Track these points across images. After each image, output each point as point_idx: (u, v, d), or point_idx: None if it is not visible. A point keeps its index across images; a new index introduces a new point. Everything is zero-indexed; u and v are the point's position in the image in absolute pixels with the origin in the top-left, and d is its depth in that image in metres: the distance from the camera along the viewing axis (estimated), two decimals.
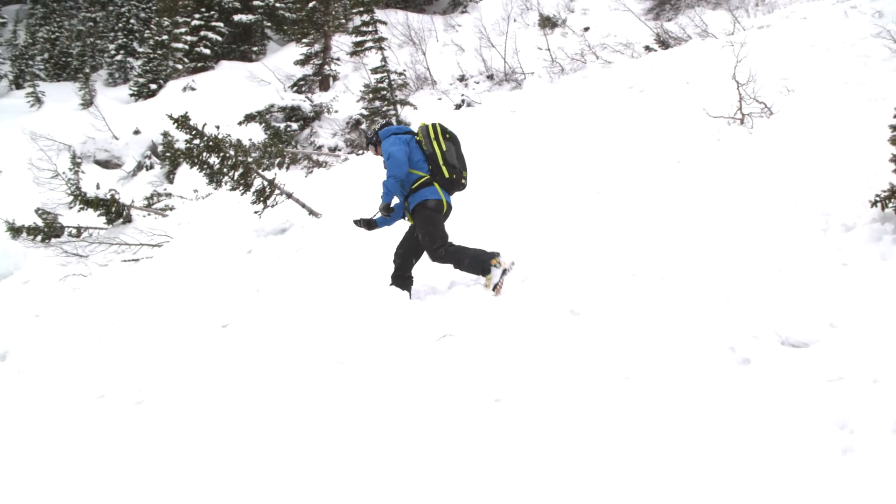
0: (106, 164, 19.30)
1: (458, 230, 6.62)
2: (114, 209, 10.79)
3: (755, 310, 4.00)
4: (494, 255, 5.87)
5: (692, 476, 2.95)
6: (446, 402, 3.95)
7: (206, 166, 8.82)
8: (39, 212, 11.32)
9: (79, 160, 14.46)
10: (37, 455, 5.15)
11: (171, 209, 11.61)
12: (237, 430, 4.31)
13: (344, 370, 4.66)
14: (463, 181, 6.37)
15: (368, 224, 6.45)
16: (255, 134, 16.68)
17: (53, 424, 5.47)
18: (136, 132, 20.60)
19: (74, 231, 10.94)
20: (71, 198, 11.06)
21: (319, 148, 17.61)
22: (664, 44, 16.45)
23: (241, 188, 8.82)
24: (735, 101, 7.73)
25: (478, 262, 5.90)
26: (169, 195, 13.34)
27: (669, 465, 3.04)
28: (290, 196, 8.82)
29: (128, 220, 10.72)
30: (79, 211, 11.19)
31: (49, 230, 10.83)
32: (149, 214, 11.38)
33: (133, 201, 12.09)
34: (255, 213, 8.83)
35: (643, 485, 2.99)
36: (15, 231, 11.21)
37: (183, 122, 8.44)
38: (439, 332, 4.83)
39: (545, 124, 10.42)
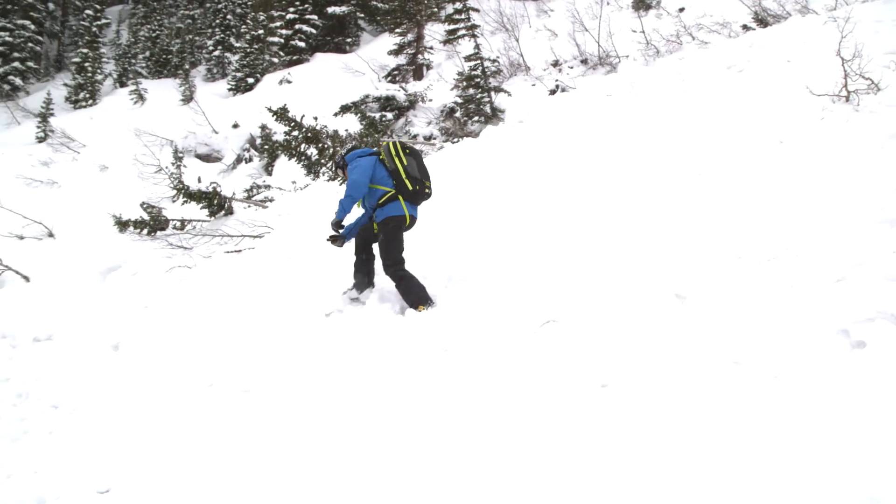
0: (206, 158, 19.81)
1: (575, 214, 6.58)
2: (216, 202, 11.07)
3: (869, 291, 3.86)
4: (429, 301, 6.25)
5: (810, 465, 2.88)
6: (554, 386, 3.95)
7: (304, 157, 9.01)
8: (144, 206, 11.69)
9: (181, 155, 14.93)
10: (154, 443, 5.35)
11: (271, 200, 11.84)
12: (346, 418, 4.39)
13: (448, 356, 4.71)
14: (427, 190, 6.87)
15: (339, 240, 6.99)
16: (350, 125, 16.86)
17: (166, 412, 5.68)
18: (235, 126, 21.08)
19: (178, 224, 11.27)
20: (174, 191, 11.39)
21: (414, 137, 17.71)
22: (762, 22, 15.96)
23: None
24: (839, 78, 7.46)
25: (413, 296, 6.34)
26: (268, 187, 13.59)
27: (786, 453, 2.98)
28: None
29: (229, 212, 10.99)
30: (182, 204, 11.53)
31: (154, 223, 11.18)
32: (249, 206, 11.64)
33: (234, 193, 12.38)
34: None
35: (760, 470, 2.93)
36: (122, 225, 11.61)
37: (281, 114, 8.62)
38: (542, 318, 4.83)
39: (642, 107, 10.25)
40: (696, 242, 5.34)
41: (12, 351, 8.03)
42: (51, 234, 13.93)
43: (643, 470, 3.16)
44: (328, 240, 6.95)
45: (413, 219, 6.81)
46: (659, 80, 11.82)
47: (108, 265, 10.25)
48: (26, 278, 11.08)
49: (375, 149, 7.47)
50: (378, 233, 6.82)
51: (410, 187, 6.82)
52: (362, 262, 7.00)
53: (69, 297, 9.30)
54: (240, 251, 9.19)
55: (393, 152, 6.96)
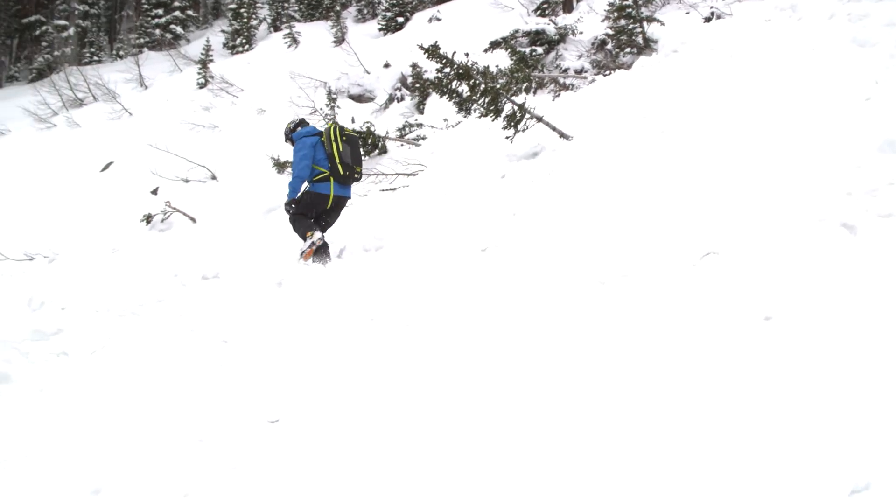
0: (359, 99, 20.09)
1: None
2: (370, 141, 11.24)
3: None
4: (313, 230, 7.92)
5: None
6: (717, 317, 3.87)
7: (455, 95, 8.96)
8: None
9: (334, 96, 15.22)
10: (318, 375, 5.55)
11: (424, 139, 11.94)
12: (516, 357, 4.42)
13: (605, 289, 4.65)
14: (356, 175, 8.29)
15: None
16: (500, 60, 16.72)
17: (331, 345, 5.86)
18: (386, 65, 21.26)
19: None
20: None
21: (565, 71, 17.39)
22: None
23: (491, 114, 8.91)
24: None
25: (301, 229, 8.02)
26: (420, 125, 13.68)
27: None
28: (539, 119, 8.80)
29: (383, 151, 11.15)
30: None
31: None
32: (402, 145, 11.77)
33: (387, 133, 12.54)
34: (507, 138, 8.89)
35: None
36: (280, 166, 11.97)
37: (433, 51, 8.59)
38: (702, 249, 4.70)
39: (804, 33, 9.69)
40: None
41: (183, 289, 8.46)
42: (214, 177, 14.54)
43: None
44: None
45: (340, 198, 8.26)
46: (824, 2, 11.14)
47: (269, 205, 10.61)
48: (193, 220, 11.62)
49: (319, 129, 8.63)
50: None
51: (341, 172, 8.16)
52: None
53: (233, 237, 9.71)
54: (394, 189, 9.32)
55: (332, 137, 8.22)
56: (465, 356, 4.72)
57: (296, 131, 8.57)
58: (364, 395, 5.05)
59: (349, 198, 8.41)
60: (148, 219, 12.04)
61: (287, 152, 10.78)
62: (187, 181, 14.27)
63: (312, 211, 8.26)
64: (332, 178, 8.15)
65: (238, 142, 17.76)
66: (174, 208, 11.98)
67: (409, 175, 9.55)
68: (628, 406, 3.56)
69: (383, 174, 9.86)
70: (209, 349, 6.87)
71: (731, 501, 2.85)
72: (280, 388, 5.64)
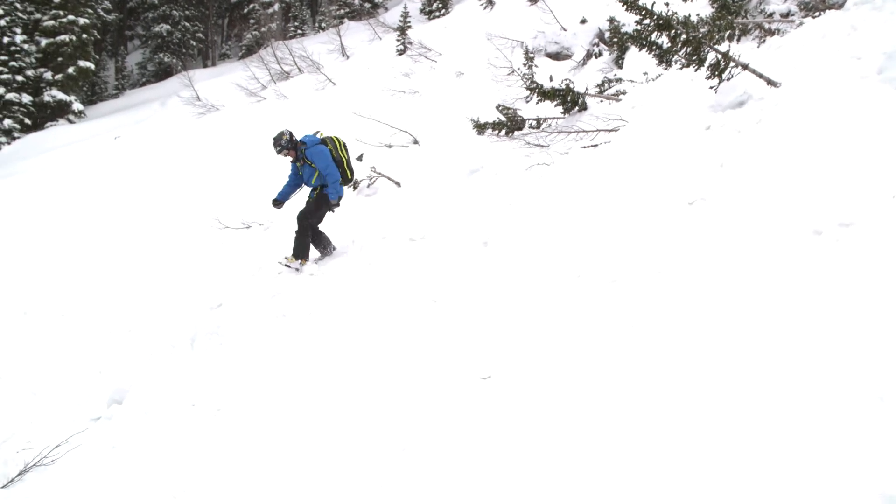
0: (556, 56, 20.02)
1: None
2: (569, 98, 11.24)
3: None
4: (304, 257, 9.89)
5: None
6: None
7: (655, 47, 8.84)
8: (500, 108, 12.15)
9: (531, 55, 15.22)
10: (527, 332, 5.72)
11: (623, 93, 11.81)
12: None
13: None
14: (353, 180, 10.71)
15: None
16: (700, 9, 16.21)
17: (539, 304, 6.00)
18: (583, 21, 21.04)
19: (534, 123, 11.60)
20: (528, 91, 11.70)
21: (770, 15, 16.65)
22: None
23: (693, 65, 8.71)
24: None
25: (304, 250, 9.93)
26: (619, 80, 13.51)
27: None
28: (745, 67, 8.53)
29: (583, 107, 11.11)
30: (536, 103, 11.82)
31: (511, 124, 11.61)
32: (602, 101, 11.70)
33: (586, 89, 12.48)
34: (710, 88, 8.68)
35: None
36: (480, 128, 12.18)
37: (632, 3, 8.49)
38: None
39: None
40: None
41: (391, 251, 8.84)
42: (416, 142, 14.96)
43: None
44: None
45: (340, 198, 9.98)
46: None
47: (471, 167, 10.87)
48: (397, 184, 12.06)
49: (319, 137, 10.21)
50: (311, 204, 10.00)
51: (350, 177, 10.26)
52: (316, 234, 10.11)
53: (437, 199, 10.02)
54: (596, 146, 9.32)
55: (339, 146, 10.09)
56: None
57: (303, 138, 10.14)
58: (571, 355, 5.18)
59: None
60: (355, 185, 12.59)
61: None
62: (390, 146, 14.76)
63: (322, 215, 10.12)
64: (340, 182, 9.93)
65: (438, 106, 18.15)
66: (379, 173, 12.47)
67: (609, 131, 9.51)
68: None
69: (584, 131, 9.86)
70: (420, 308, 7.19)
71: None
72: (490, 347, 5.85)
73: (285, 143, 9.98)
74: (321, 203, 10.01)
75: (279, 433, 5.95)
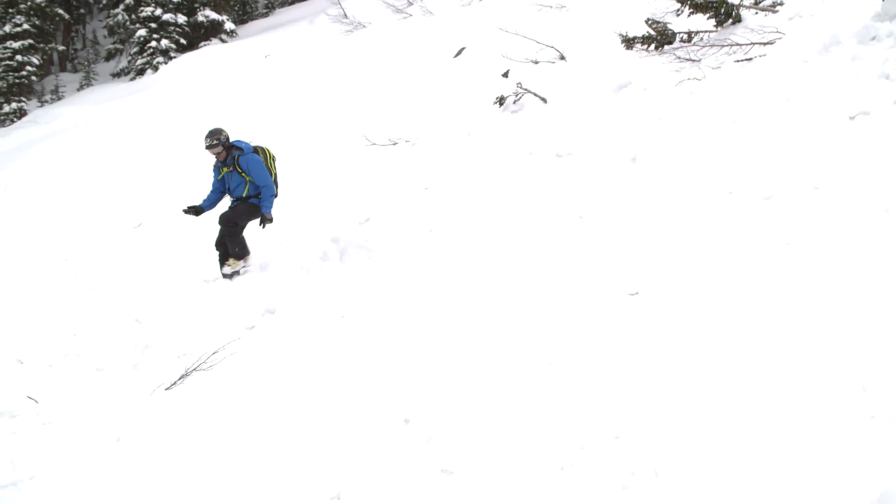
0: None
1: None
2: (722, 10, 10.85)
3: None
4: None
5: None
6: None
7: None
8: (649, 21, 11.86)
9: None
10: (678, 249, 5.72)
11: (780, 4, 11.31)
12: None
13: None
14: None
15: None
16: None
17: (688, 221, 5.97)
18: None
19: (685, 36, 11.29)
20: (678, 4, 11.37)
21: None
22: None
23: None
24: None
25: (242, 247, 9.53)
26: None
27: None
28: None
29: (737, 20, 10.72)
30: (688, 16, 11.50)
31: (660, 38, 11.32)
32: (757, 13, 11.24)
33: (740, 0, 12.03)
34: None
35: None
36: (628, 42, 11.93)
37: None
38: None
39: None
40: None
41: (538, 166, 8.88)
42: (562, 57, 14.77)
43: None
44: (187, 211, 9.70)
45: None
46: None
47: (618, 82, 10.71)
48: (543, 100, 12.00)
49: (253, 145, 9.70)
50: (241, 207, 9.51)
51: (277, 190, 9.69)
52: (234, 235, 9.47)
53: (584, 115, 9.96)
54: (750, 59, 9.03)
55: (269, 157, 9.65)
56: None
57: (236, 140, 9.57)
58: (721, 273, 5.16)
59: None
60: (500, 101, 12.60)
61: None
62: (536, 63, 14.62)
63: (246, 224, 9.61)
64: None
65: (585, 20, 17.80)
66: (525, 89, 12.42)
67: (765, 44, 9.17)
68: None
69: (737, 44, 9.54)
70: (566, 224, 7.25)
71: None
72: (638, 263, 5.88)
73: (224, 140, 9.38)
74: (252, 212, 9.55)
75: (430, 346, 6.17)
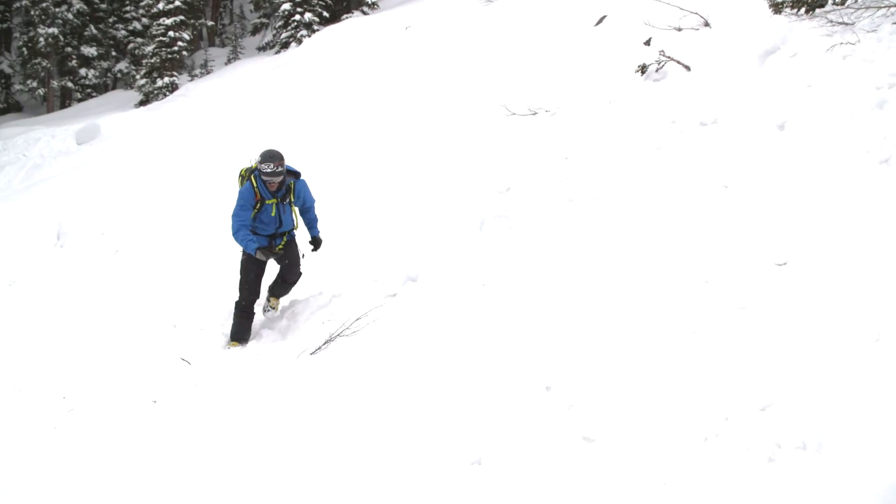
0: None
1: None
2: None
3: None
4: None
5: None
6: None
7: None
8: None
9: None
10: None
11: None
12: None
13: None
14: None
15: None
16: None
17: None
18: None
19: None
20: None
21: None
22: None
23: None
24: None
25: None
26: None
27: None
28: None
29: None
30: None
31: (813, 1, 10.94)
32: None
33: None
34: None
35: None
36: (777, 6, 11.55)
37: None
38: None
39: None
40: None
41: (681, 135, 8.75)
42: (706, 24, 14.42)
43: None
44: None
45: None
46: None
47: (766, 48, 10.39)
48: (687, 67, 11.76)
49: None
50: (295, 251, 8.98)
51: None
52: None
53: (729, 82, 9.73)
54: None
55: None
56: None
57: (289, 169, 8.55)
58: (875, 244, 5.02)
59: None
60: (642, 69, 12.42)
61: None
62: (679, 30, 14.31)
63: None
64: None
65: None
66: (668, 57, 12.20)
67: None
68: None
69: (894, 5, 9.12)
70: (709, 193, 7.16)
71: None
72: (787, 234, 5.76)
73: (289, 168, 8.38)
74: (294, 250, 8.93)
75: (572, 315, 6.23)
